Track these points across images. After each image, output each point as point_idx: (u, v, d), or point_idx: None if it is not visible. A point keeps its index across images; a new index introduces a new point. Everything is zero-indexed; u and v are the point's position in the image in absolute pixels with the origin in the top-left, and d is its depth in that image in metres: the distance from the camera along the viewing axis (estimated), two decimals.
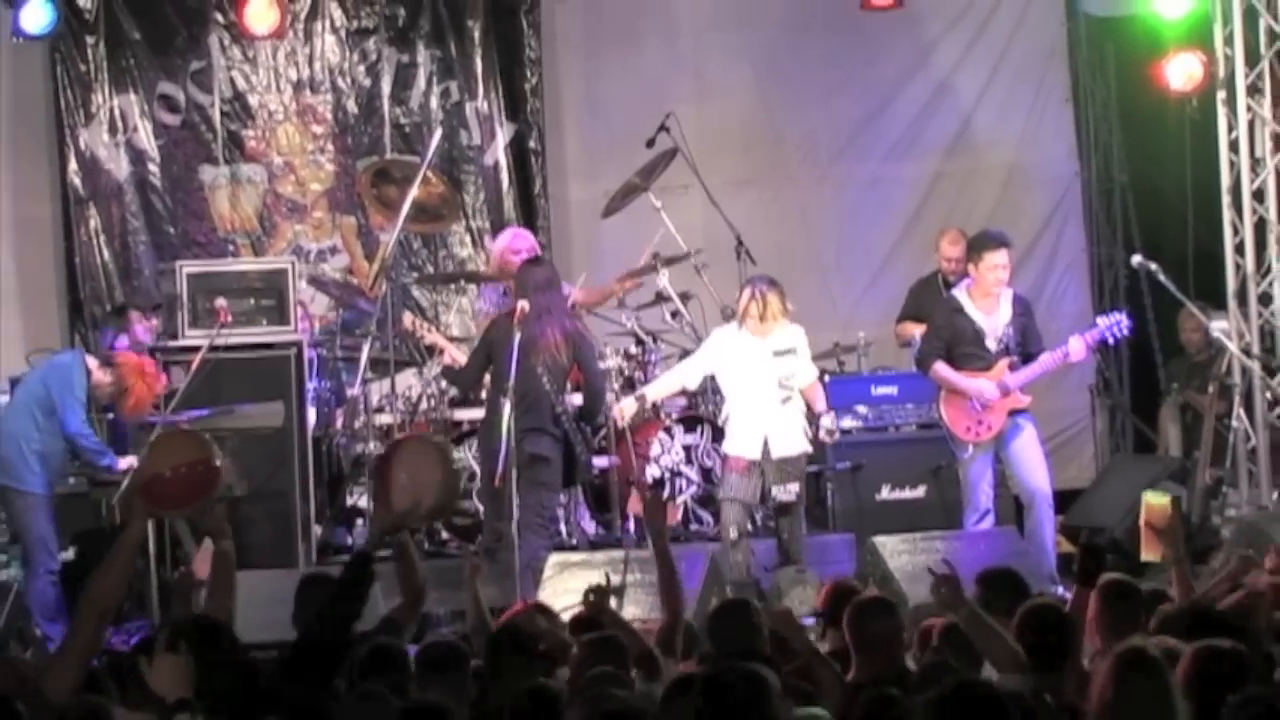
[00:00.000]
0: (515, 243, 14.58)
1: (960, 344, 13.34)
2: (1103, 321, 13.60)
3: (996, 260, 13.44)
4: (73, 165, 16.55)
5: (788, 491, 12.94)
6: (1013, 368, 13.25)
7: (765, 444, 12.91)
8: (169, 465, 9.28)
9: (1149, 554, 11.20)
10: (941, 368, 13.37)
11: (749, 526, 13.23)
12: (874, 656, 7.95)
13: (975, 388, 13.26)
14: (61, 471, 12.99)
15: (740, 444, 13.02)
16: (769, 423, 12.95)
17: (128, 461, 12.80)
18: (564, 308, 13.25)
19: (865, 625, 8.03)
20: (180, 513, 11.57)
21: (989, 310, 13.36)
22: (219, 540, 8.87)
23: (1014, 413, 13.28)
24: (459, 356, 14.03)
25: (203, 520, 12.56)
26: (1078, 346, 13.38)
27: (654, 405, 13.89)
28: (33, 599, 12.48)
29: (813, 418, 13.22)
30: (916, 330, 14.45)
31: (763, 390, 12.98)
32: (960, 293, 13.47)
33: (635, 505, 13.82)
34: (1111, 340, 13.73)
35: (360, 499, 14.37)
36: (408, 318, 14.61)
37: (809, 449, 13.19)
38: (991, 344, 13.31)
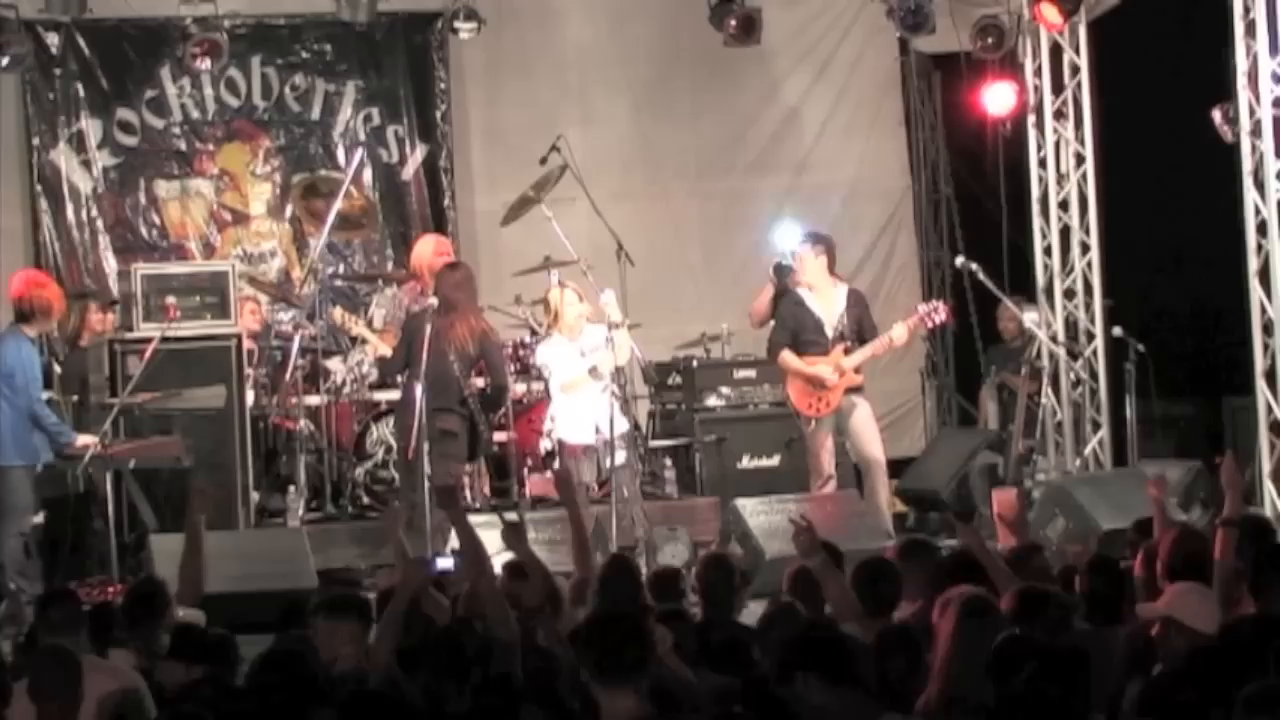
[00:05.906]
0: (437, 248, 14.55)
1: (804, 332, 13.33)
2: (922, 308, 13.65)
3: None
4: (42, 181, 16.24)
5: (619, 458, 12.56)
6: (847, 352, 13.21)
7: (596, 429, 12.56)
8: None
9: (1004, 541, 11.22)
10: (787, 356, 13.33)
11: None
12: None
13: (814, 374, 13.20)
14: (35, 442, 12.52)
15: (577, 432, 12.72)
16: (596, 410, 12.59)
17: (84, 439, 12.49)
18: (475, 308, 13.15)
19: None
20: None
21: (826, 303, 13.34)
22: (195, 515, 9.21)
23: (850, 391, 13.24)
24: (381, 347, 13.87)
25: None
26: (900, 332, 13.38)
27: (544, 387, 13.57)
28: (5, 556, 12.21)
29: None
30: (764, 296, 14.49)
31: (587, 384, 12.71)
32: (803, 289, 13.44)
33: (540, 485, 13.50)
34: (930, 324, 13.70)
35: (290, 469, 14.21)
36: (338, 312, 14.45)
37: (627, 426, 12.98)
38: (829, 331, 13.28)
